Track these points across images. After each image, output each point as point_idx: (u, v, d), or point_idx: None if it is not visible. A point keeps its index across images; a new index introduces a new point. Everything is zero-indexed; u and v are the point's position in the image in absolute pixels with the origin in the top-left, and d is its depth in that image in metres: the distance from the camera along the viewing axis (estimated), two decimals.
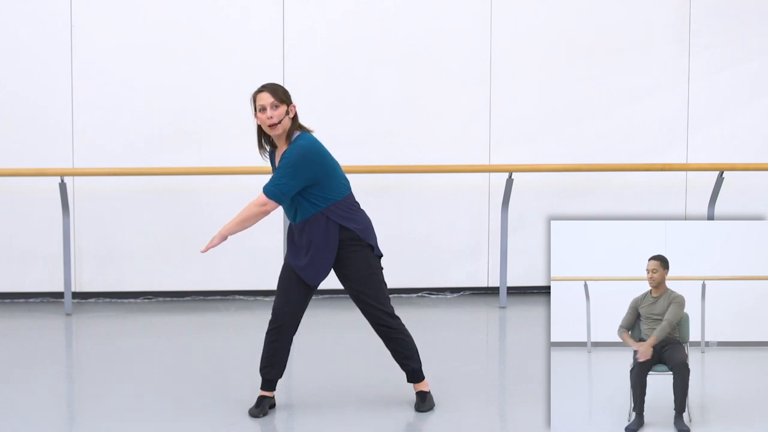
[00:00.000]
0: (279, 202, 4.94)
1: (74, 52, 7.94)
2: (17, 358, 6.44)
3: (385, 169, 7.94)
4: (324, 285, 5.34)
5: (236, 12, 8.08)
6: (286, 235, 5.16)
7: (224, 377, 5.89)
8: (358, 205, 5.15)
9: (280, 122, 4.94)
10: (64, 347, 7.08)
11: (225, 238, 5.00)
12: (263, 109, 4.95)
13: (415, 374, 5.24)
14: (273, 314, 5.11)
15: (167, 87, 8.00)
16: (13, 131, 7.93)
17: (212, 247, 5.03)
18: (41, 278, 8.05)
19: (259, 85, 5.05)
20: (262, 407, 5.15)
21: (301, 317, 5.14)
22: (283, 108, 4.96)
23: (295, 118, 5.02)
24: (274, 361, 5.14)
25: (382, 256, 5.16)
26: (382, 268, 5.15)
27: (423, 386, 5.27)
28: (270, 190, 4.93)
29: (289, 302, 5.08)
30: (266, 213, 4.98)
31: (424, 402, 5.23)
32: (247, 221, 5.00)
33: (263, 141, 5.14)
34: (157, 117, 8.00)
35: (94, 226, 8.03)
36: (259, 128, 5.08)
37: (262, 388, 5.21)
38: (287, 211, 5.11)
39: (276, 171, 4.98)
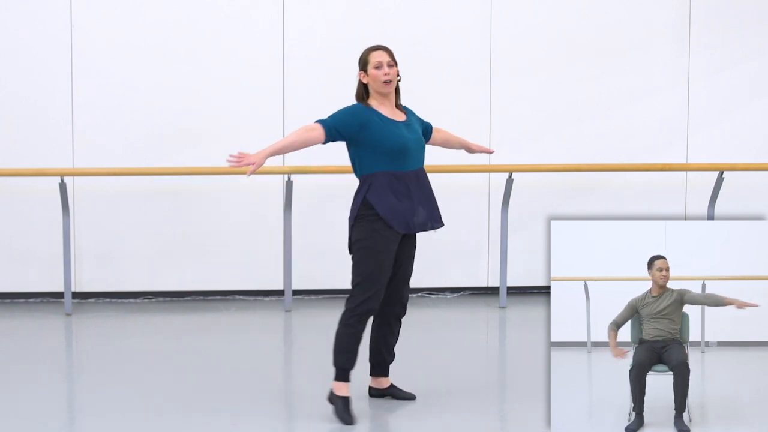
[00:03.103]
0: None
1: (74, 52, 7.94)
2: (17, 358, 6.44)
3: None
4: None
5: (236, 12, 8.07)
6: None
7: (224, 377, 5.89)
8: None
9: (392, 81, 5.13)
10: (64, 347, 7.08)
11: (266, 157, 4.89)
12: (380, 66, 5.09)
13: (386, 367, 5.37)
14: (370, 306, 5.04)
15: (167, 87, 7.99)
16: (13, 131, 7.93)
17: (251, 164, 4.86)
18: (41, 278, 8.04)
19: (372, 45, 5.25)
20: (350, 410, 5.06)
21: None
22: (395, 69, 5.20)
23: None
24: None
25: None
26: None
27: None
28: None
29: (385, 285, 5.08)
30: (315, 139, 4.94)
31: (400, 389, 5.34)
32: (295, 144, 4.97)
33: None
34: (157, 117, 8.00)
35: (94, 226, 8.03)
36: (363, 86, 5.16)
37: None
38: (403, 157, 5.15)
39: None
